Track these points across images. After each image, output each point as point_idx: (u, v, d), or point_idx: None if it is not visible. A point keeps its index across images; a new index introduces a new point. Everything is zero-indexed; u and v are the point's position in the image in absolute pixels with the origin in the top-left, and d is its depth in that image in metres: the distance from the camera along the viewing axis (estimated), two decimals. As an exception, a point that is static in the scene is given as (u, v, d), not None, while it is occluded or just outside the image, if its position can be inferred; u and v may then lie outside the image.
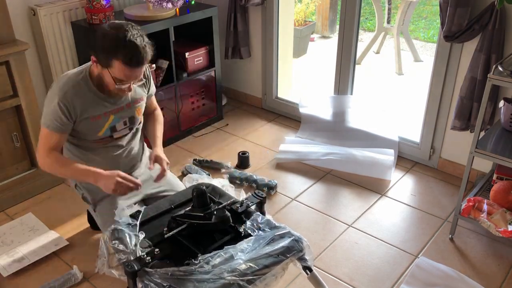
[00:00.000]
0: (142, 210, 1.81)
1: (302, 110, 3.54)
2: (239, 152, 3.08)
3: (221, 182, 2.15)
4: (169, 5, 3.00)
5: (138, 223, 1.72)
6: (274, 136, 3.43)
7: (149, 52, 1.81)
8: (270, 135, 3.46)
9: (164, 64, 3.10)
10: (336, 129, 3.37)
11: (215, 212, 1.73)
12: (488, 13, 2.38)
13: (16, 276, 2.21)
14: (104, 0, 2.88)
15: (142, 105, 2.09)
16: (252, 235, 1.70)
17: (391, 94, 4.38)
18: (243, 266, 1.54)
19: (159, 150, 2.09)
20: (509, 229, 2.18)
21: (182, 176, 2.89)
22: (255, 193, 1.92)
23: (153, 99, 2.22)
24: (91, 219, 2.43)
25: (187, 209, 1.80)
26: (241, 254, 1.58)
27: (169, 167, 2.09)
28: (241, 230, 1.73)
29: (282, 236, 1.68)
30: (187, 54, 3.23)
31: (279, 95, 3.74)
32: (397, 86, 4.59)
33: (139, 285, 1.53)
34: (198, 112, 3.50)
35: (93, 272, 2.20)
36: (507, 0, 2.15)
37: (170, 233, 1.68)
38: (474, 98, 2.57)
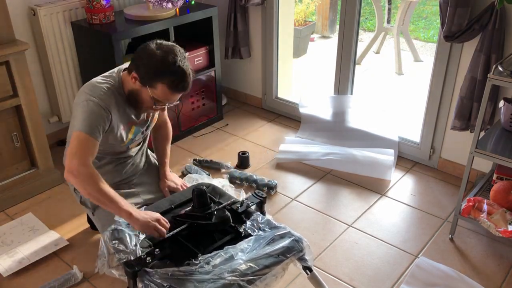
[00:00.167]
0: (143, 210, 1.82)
1: (302, 110, 3.54)
2: (239, 152, 3.08)
3: (221, 182, 2.16)
4: (169, 5, 3.00)
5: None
6: (274, 136, 3.43)
7: (193, 77, 1.82)
8: (270, 135, 3.46)
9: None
10: (336, 129, 3.37)
11: (215, 212, 1.74)
12: (488, 13, 2.38)
13: (16, 276, 2.20)
14: (104, 0, 2.88)
15: (157, 114, 2.12)
16: (252, 235, 1.70)
17: (391, 94, 4.38)
18: (243, 266, 1.54)
19: (171, 178, 2.16)
20: (509, 229, 2.18)
21: (182, 176, 2.89)
22: (255, 193, 1.92)
23: (165, 112, 2.20)
24: (91, 220, 2.43)
25: (187, 209, 1.80)
26: (241, 254, 1.58)
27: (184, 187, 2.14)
28: (241, 230, 1.73)
29: (282, 236, 1.69)
30: (187, 54, 3.22)
31: (279, 95, 3.74)
32: (397, 86, 4.59)
33: (139, 285, 1.53)
34: (198, 112, 3.50)
35: (93, 272, 2.20)
36: (507, 0, 2.15)
37: (170, 233, 1.68)
38: (474, 98, 2.57)
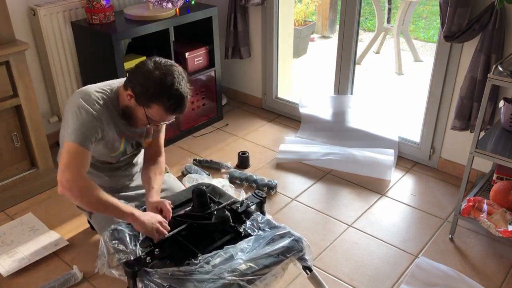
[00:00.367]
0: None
1: (302, 110, 3.54)
2: (239, 152, 3.08)
3: (221, 182, 2.16)
4: (169, 5, 3.00)
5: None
6: (274, 136, 3.43)
7: (189, 99, 1.77)
8: (270, 135, 3.46)
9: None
10: (336, 129, 3.37)
11: (215, 212, 1.74)
12: (488, 13, 2.38)
13: (16, 276, 2.20)
14: (104, 0, 2.88)
15: (151, 138, 2.04)
16: (252, 235, 1.70)
17: (391, 94, 4.38)
18: (243, 266, 1.54)
19: (155, 197, 1.89)
20: (509, 229, 2.18)
21: (182, 176, 2.89)
22: (255, 193, 1.92)
23: (161, 136, 2.07)
24: None
25: (187, 209, 1.80)
26: (241, 254, 1.58)
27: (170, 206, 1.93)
28: (241, 230, 1.73)
29: (282, 236, 1.69)
30: (187, 54, 3.23)
31: (279, 95, 3.74)
32: (397, 86, 4.59)
33: (139, 285, 1.53)
34: (198, 112, 3.50)
35: (93, 272, 2.20)
36: (507, 0, 2.15)
37: (170, 233, 1.68)
38: (474, 98, 2.57)
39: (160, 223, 1.71)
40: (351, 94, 3.36)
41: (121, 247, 1.63)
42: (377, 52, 5.37)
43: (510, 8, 2.38)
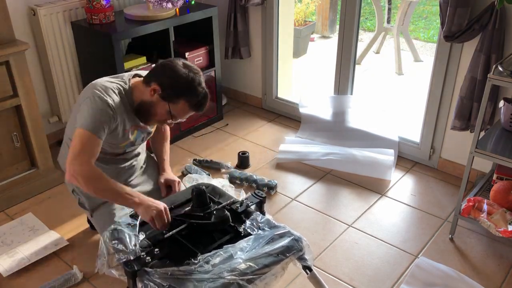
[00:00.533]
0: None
1: (302, 110, 3.54)
2: (239, 152, 3.08)
3: (221, 182, 2.16)
4: (169, 5, 3.00)
5: (138, 223, 1.72)
6: (274, 136, 3.43)
7: None
8: (270, 135, 3.46)
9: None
10: (336, 129, 3.37)
11: (214, 212, 1.74)
12: (488, 13, 2.38)
13: (16, 276, 2.21)
14: (104, 0, 2.88)
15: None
16: (252, 234, 1.70)
17: (391, 94, 4.38)
18: (243, 266, 1.54)
19: (169, 172, 2.14)
20: (509, 229, 2.18)
21: (182, 176, 2.89)
22: (255, 193, 1.92)
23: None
24: (90, 220, 2.44)
25: (187, 209, 1.80)
26: (240, 253, 1.58)
27: (179, 186, 2.13)
28: (241, 229, 1.73)
29: (281, 236, 1.69)
30: (187, 54, 3.23)
31: (279, 95, 3.74)
32: (397, 86, 4.59)
33: (139, 285, 1.53)
34: (198, 112, 3.49)
35: (93, 272, 2.20)
36: (507, 0, 2.15)
37: (170, 233, 1.68)
38: (474, 98, 2.57)
39: (164, 210, 1.69)
40: (351, 94, 3.36)
41: (121, 247, 1.63)
42: (377, 52, 5.37)
43: (510, 8, 2.38)
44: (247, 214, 1.82)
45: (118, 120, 1.83)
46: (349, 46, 3.16)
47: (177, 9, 3.11)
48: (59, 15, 2.93)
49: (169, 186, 2.14)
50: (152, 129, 2.09)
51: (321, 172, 3.00)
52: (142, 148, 2.18)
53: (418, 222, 2.58)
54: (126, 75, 1.94)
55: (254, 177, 2.85)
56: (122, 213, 1.95)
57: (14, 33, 2.49)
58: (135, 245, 1.64)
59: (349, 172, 2.98)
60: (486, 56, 2.44)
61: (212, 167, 3.03)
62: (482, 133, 2.44)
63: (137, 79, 1.93)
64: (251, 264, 1.54)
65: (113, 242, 1.65)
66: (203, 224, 1.71)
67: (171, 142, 3.30)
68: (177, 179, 2.12)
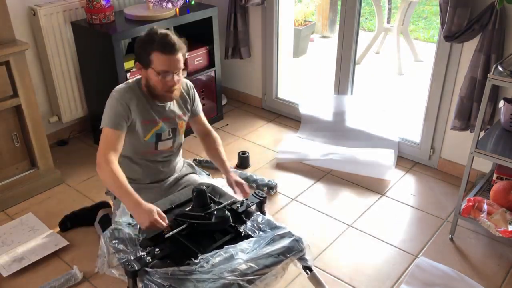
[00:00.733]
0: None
1: (302, 110, 3.54)
2: (239, 152, 3.08)
3: (221, 182, 2.16)
4: (169, 5, 3.00)
5: (138, 223, 1.72)
6: (274, 136, 3.43)
7: (181, 41, 1.94)
8: (270, 135, 3.46)
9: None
10: (336, 129, 3.37)
11: (215, 212, 1.74)
12: (488, 13, 2.38)
13: (16, 276, 2.20)
14: (104, 0, 2.88)
15: (185, 120, 2.16)
16: (253, 237, 1.70)
17: (391, 94, 4.38)
18: (243, 266, 1.54)
19: (234, 175, 2.15)
20: (509, 229, 2.18)
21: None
22: (255, 193, 1.92)
23: (203, 118, 2.26)
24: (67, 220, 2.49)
25: (187, 209, 1.80)
26: (241, 254, 1.58)
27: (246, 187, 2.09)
28: (241, 230, 1.73)
29: (282, 236, 1.69)
30: (187, 54, 3.22)
31: (279, 95, 3.74)
32: (397, 86, 4.59)
33: (139, 285, 1.53)
34: (198, 112, 3.50)
35: (93, 272, 2.20)
36: (507, 0, 2.15)
37: (170, 233, 1.68)
38: (474, 98, 2.57)
39: (157, 213, 1.71)
40: (351, 94, 3.36)
41: (121, 247, 1.63)
42: (377, 52, 5.37)
43: (510, 8, 2.38)
44: (248, 214, 1.82)
45: (132, 113, 1.95)
46: (349, 46, 3.16)
47: (177, 9, 3.11)
48: (59, 15, 2.93)
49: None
50: (179, 125, 2.12)
51: (321, 172, 3.00)
52: (177, 156, 2.22)
53: (418, 222, 2.58)
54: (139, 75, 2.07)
55: (254, 177, 2.85)
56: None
57: (14, 33, 2.49)
58: (135, 245, 1.64)
59: (349, 172, 2.98)
60: (486, 56, 2.44)
61: (212, 167, 3.03)
62: (482, 133, 2.44)
63: None
64: (251, 264, 1.55)
65: (113, 242, 1.65)
66: (203, 224, 1.71)
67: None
68: (242, 181, 2.11)
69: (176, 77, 1.94)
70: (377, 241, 2.44)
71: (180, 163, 2.27)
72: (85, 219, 2.49)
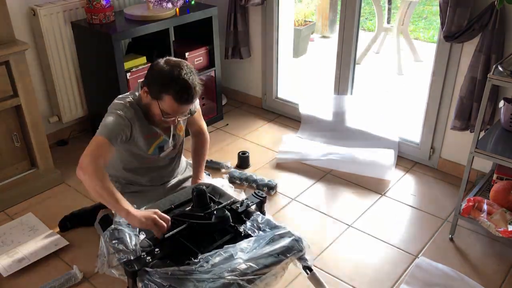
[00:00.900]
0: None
1: (302, 110, 3.54)
2: (239, 152, 3.08)
3: (221, 182, 2.16)
4: (169, 5, 3.00)
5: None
6: (274, 136, 3.43)
7: (199, 91, 1.88)
8: (270, 135, 3.46)
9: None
10: (336, 129, 3.37)
11: (215, 212, 1.74)
12: (488, 13, 2.38)
13: (16, 276, 2.20)
14: (104, 0, 2.88)
15: (184, 123, 2.15)
16: (252, 236, 1.70)
17: (391, 94, 4.38)
18: (243, 266, 1.54)
19: (202, 178, 2.16)
20: (509, 229, 2.18)
21: (182, 176, 2.89)
22: (255, 193, 1.92)
23: (196, 118, 2.23)
24: (66, 219, 2.49)
25: (187, 209, 1.80)
26: (241, 254, 1.58)
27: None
28: (241, 230, 1.73)
29: (282, 236, 1.69)
30: (187, 54, 3.23)
31: (279, 95, 3.74)
32: (397, 86, 4.59)
33: (139, 284, 1.53)
34: (198, 112, 3.50)
35: (93, 272, 2.20)
36: (507, 0, 2.15)
37: (170, 233, 1.68)
38: (474, 98, 2.57)
39: (157, 213, 1.71)
40: (351, 94, 3.36)
41: (121, 246, 1.63)
42: (377, 52, 5.37)
43: (510, 8, 2.38)
44: (248, 214, 1.82)
45: (133, 130, 1.93)
46: (349, 46, 3.16)
47: (177, 9, 3.11)
48: (59, 15, 2.93)
49: None
50: (177, 130, 2.11)
51: (321, 172, 3.00)
52: (178, 157, 2.22)
53: (418, 222, 2.58)
54: (137, 85, 2.04)
55: (254, 177, 2.85)
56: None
57: (14, 33, 2.49)
58: (135, 245, 1.64)
59: (349, 172, 2.98)
60: (486, 56, 2.44)
61: (212, 167, 3.03)
62: (482, 133, 2.44)
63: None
64: (251, 264, 1.55)
65: (113, 241, 1.65)
66: (203, 224, 1.71)
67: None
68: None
69: (178, 118, 1.94)
70: (377, 241, 2.44)
71: (183, 164, 2.27)
72: (85, 220, 2.49)
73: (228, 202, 1.86)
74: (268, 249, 1.62)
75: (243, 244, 1.62)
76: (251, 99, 3.88)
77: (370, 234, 2.49)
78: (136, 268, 1.53)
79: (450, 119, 2.78)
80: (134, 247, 1.63)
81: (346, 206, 2.71)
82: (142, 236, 1.70)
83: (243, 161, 3.05)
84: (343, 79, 3.29)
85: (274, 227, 1.74)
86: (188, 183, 2.24)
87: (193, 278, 1.49)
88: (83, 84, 3.19)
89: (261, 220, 1.77)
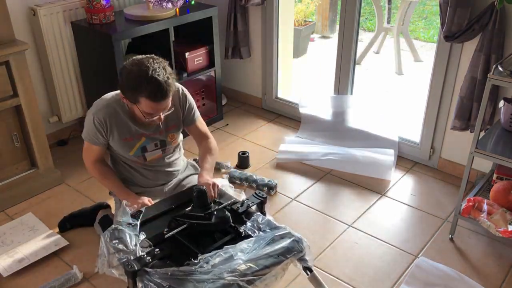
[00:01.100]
0: (143, 210, 1.82)
1: (302, 110, 3.54)
2: (239, 152, 3.08)
3: (221, 182, 2.16)
4: (169, 5, 3.00)
5: (138, 223, 1.72)
6: (274, 136, 3.43)
7: (172, 83, 1.84)
8: (270, 135, 3.46)
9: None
10: (336, 129, 3.37)
11: (215, 212, 1.73)
12: (488, 13, 2.38)
13: (16, 276, 2.20)
14: (104, 0, 2.88)
15: (177, 132, 2.12)
16: (252, 236, 1.70)
17: (391, 94, 4.38)
18: (243, 267, 1.54)
19: (204, 176, 2.03)
20: (509, 229, 2.18)
21: (182, 176, 2.89)
22: (256, 193, 1.92)
23: (198, 127, 2.19)
24: (66, 220, 2.50)
25: (188, 209, 1.80)
26: (240, 254, 1.58)
27: (215, 189, 1.98)
28: (242, 230, 1.73)
29: (282, 237, 1.69)
30: (187, 54, 3.23)
31: (279, 95, 3.74)
32: (397, 86, 4.59)
33: (139, 285, 1.53)
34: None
35: (93, 272, 2.20)
36: (507, 0, 2.15)
37: (170, 233, 1.68)
38: (474, 98, 2.57)
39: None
40: (351, 94, 3.36)
41: (121, 246, 1.63)
42: (377, 52, 5.37)
43: (510, 8, 2.38)
44: (248, 214, 1.82)
45: (109, 129, 1.97)
46: (349, 46, 3.16)
47: (177, 9, 3.11)
48: (59, 15, 2.92)
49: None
50: (168, 137, 2.08)
51: (321, 172, 3.00)
52: (176, 160, 2.20)
53: (418, 222, 2.58)
54: None
55: (254, 177, 2.85)
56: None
57: (14, 33, 2.49)
58: (135, 245, 1.64)
59: (349, 172, 2.98)
60: (486, 56, 2.44)
61: (212, 167, 3.03)
62: (482, 133, 2.44)
63: None
64: (251, 265, 1.54)
65: (114, 241, 1.65)
66: (203, 224, 1.71)
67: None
68: (211, 182, 1.98)
69: (162, 115, 1.92)
70: (377, 241, 2.44)
71: (182, 164, 2.26)
72: (84, 220, 2.49)
73: (229, 202, 1.86)
74: (268, 249, 1.62)
75: (243, 244, 1.62)
76: (251, 99, 3.88)
77: (370, 234, 2.49)
78: (136, 268, 1.52)
79: (450, 119, 2.78)
80: (134, 247, 1.63)
81: (346, 206, 2.71)
82: (142, 236, 1.70)
83: (243, 161, 3.05)
84: (343, 79, 3.29)
85: (274, 227, 1.74)
86: (187, 183, 2.22)
87: (193, 278, 1.49)
88: (83, 84, 3.18)
89: (262, 221, 1.76)
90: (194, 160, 3.07)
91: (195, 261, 1.55)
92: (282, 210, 2.67)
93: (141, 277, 1.53)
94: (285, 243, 1.66)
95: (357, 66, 3.36)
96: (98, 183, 2.16)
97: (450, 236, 2.45)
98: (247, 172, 2.97)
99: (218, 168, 3.02)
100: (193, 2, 3.23)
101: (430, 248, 2.40)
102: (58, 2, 2.94)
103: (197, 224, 1.71)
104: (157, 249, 1.61)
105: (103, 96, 2.02)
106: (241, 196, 2.05)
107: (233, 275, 1.50)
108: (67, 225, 2.48)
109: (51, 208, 2.67)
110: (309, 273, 1.72)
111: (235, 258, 1.56)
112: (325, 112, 3.44)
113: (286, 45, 3.76)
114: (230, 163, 3.04)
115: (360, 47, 4.91)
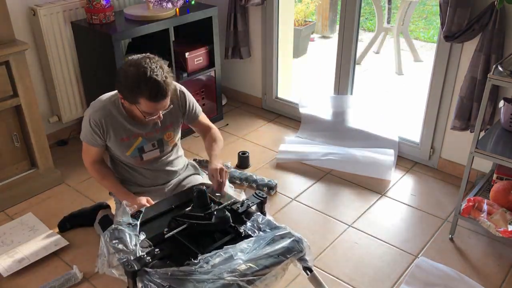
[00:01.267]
0: (143, 210, 1.82)
1: (302, 110, 3.54)
2: (239, 152, 3.08)
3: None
4: (169, 5, 3.00)
5: (138, 223, 1.72)
6: (274, 136, 3.43)
7: (170, 82, 1.85)
8: (270, 135, 3.46)
9: (164, 64, 3.10)
10: (336, 129, 3.37)
11: (215, 213, 1.73)
12: (488, 13, 2.38)
13: (16, 276, 2.21)
14: (104, 0, 2.88)
15: (174, 131, 2.12)
16: (252, 236, 1.69)
17: (391, 94, 4.38)
18: (243, 267, 1.54)
19: (213, 163, 2.05)
20: (509, 229, 2.18)
21: (182, 176, 2.89)
22: (256, 193, 1.92)
23: (201, 121, 2.22)
24: (65, 221, 2.50)
25: (188, 209, 1.80)
26: (240, 254, 1.58)
27: (223, 174, 1.99)
28: (242, 230, 1.73)
29: (282, 237, 1.68)
30: (187, 54, 3.23)
31: (279, 95, 3.74)
32: (397, 86, 4.59)
33: (139, 285, 1.53)
34: (198, 112, 3.49)
35: (93, 272, 2.20)
36: (507, 0, 2.15)
37: (170, 233, 1.68)
38: (474, 98, 2.57)
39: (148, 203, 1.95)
40: (351, 94, 3.36)
41: (121, 246, 1.63)
42: (377, 52, 5.37)
43: (510, 8, 2.38)
44: (248, 214, 1.82)
45: (106, 130, 1.97)
46: (349, 46, 3.16)
47: (177, 9, 3.11)
48: (59, 15, 2.92)
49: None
50: (165, 136, 2.08)
51: (321, 172, 3.00)
52: (174, 160, 2.20)
53: (418, 222, 2.58)
54: None
55: (254, 177, 2.85)
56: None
57: (14, 33, 2.49)
58: (135, 245, 1.64)
59: (349, 172, 2.98)
60: (486, 56, 2.44)
61: (212, 167, 3.03)
62: (482, 133, 2.44)
63: None
64: (251, 265, 1.54)
65: (114, 241, 1.65)
66: (203, 224, 1.71)
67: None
68: (219, 166, 1.99)
69: (161, 114, 1.92)
70: (377, 241, 2.44)
71: (182, 164, 2.26)
72: (84, 220, 2.49)
73: (229, 202, 1.86)
74: (268, 249, 1.62)
75: (243, 244, 1.62)
76: (251, 99, 3.88)
77: (370, 234, 2.49)
78: (136, 268, 1.52)
79: (450, 119, 2.78)
80: (134, 247, 1.63)
81: (346, 206, 2.71)
82: (142, 236, 1.70)
83: (243, 161, 3.05)
84: (343, 79, 3.29)
85: (274, 227, 1.74)
86: (187, 183, 2.22)
87: (193, 278, 1.49)
88: (83, 84, 3.19)
89: (262, 221, 1.76)
90: (194, 160, 3.08)
91: (195, 261, 1.54)
92: (282, 210, 2.67)
93: (141, 277, 1.53)
94: (285, 243, 1.66)
95: (357, 66, 3.36)
96: (98, 183, 2.17)
97: (450, 236, 2.45)
98: (247, 172, 2.97)
99: (218, 168, 3.02)
100: (193, 2, 3.23)
101: (430, 248, 2.40)
102: (58, 2, 2.94)
103: (197, 224, 1.71)
104: (157, 249, 1.61)
105: (99, 97, 2.03)
106: (241, 196, 2.05)
107: (233, 275, 1.50)
108: (67, 225, 2.48)
109: (51, 208, 2.67)
110: (309, 273, 1.72)
111: (235, 258, 1.56)
112: (325, 112, 3.44)
113: (286, 45, 3.76)
114: (230, 163, 3.04)
115: (360, 47, 4.91)
